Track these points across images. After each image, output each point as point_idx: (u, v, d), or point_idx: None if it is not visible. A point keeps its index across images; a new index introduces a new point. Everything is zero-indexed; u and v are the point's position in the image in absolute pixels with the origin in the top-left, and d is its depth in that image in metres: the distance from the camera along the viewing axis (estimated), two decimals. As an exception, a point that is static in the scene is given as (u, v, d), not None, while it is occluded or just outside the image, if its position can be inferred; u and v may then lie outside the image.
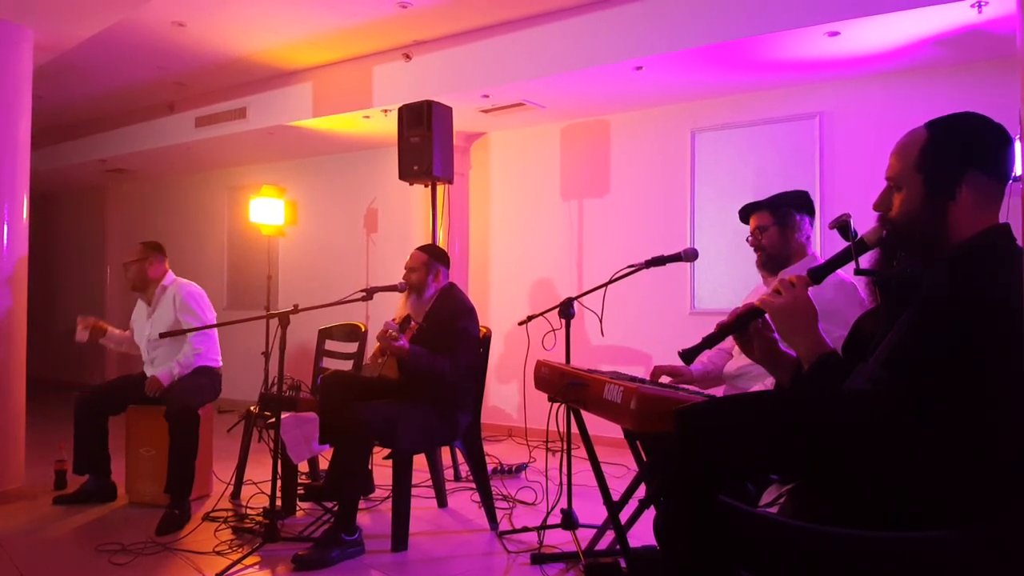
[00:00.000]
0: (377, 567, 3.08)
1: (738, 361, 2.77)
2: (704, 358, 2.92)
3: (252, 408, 4.10)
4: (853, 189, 4.80)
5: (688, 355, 1.77)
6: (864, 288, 1.67)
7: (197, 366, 4.07)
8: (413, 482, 3.41)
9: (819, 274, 1.63)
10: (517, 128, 6.35)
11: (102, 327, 4.24)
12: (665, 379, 2.81)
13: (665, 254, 2.98)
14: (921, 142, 1.52)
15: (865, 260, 1.57)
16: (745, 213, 2.94)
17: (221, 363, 4.28)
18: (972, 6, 3.69)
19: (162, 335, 3.88)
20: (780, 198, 2.89)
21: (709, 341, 1.73)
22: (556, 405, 2.77)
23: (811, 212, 2.89)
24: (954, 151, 1.48)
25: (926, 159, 1.50)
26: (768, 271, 2.89)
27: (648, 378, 2.85)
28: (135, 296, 4.39)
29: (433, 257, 3.69)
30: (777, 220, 2.83)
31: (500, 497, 3.98)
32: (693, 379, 2.89)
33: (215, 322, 4.16)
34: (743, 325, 1.70)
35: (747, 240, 2.94)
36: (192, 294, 4.17)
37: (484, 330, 3.73)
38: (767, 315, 1.64)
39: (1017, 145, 3.49)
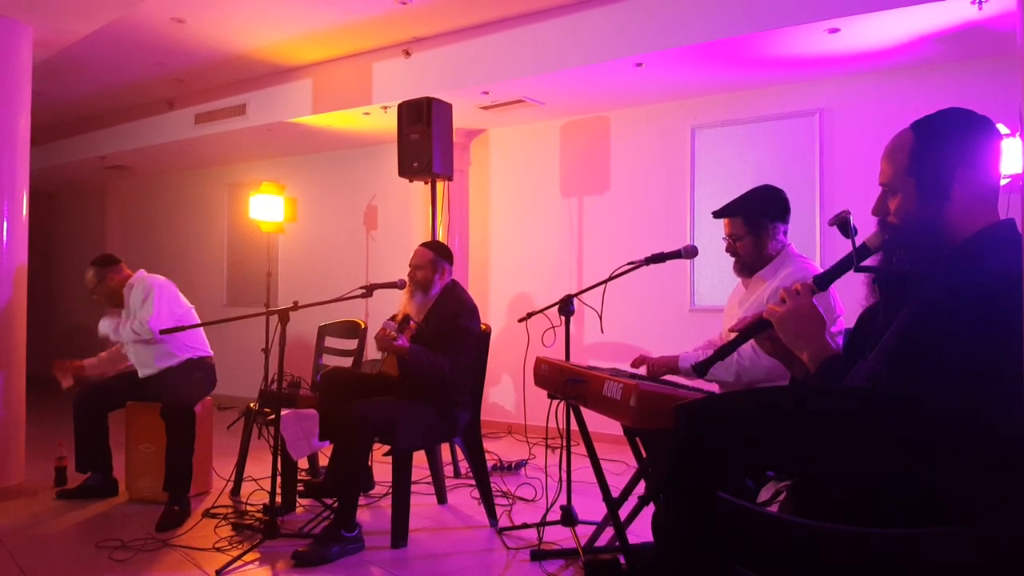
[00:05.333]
0: (377, 563, 3.09)
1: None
2: (698, 353, 2.92)
3: (252, 405, 4.10)
4: (853, 185, 4.80)
5: (702, 368, 1.80)
6: (865, 286, 1.68)
7: (186, 359, 4.04)
8: (413, 479, 3.41)
9: (824, 280, 1.64)
10: (517, 125, 6.34)
11: (79, 365, 4.17)
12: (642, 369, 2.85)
13: (665, 251, 2.98)
14: (909, 146, 1.52)
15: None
16: (718, 216, 2.91)
17: (211, 352, 4.23)
18: (972, 3, 3.68)
19: (162, 332, 3.87)
20: (753, 204, 2.83)
21: (721, 353, 1.74)
22: (556, 402, 2.77)
23: (784, 214, 2.83)
24: (942, 152, 1.48)
25: (916, 163, 1.50)
26: (745, 275, 2.89)
27: (645, 373, 2.88)
28: None
29: (439, 254, 3.68)
30: (751, 229, 2.79)
31: (500, 494, 3.98)
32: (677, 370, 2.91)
33: (183, 308, 4.11)
34: (750, 337, 1.71)
35: (722, 239, 2.91)
36: (140, 292, 4.01)
37: (484, 327, 3.73)
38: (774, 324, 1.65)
39: (1017, 142, 3.50)
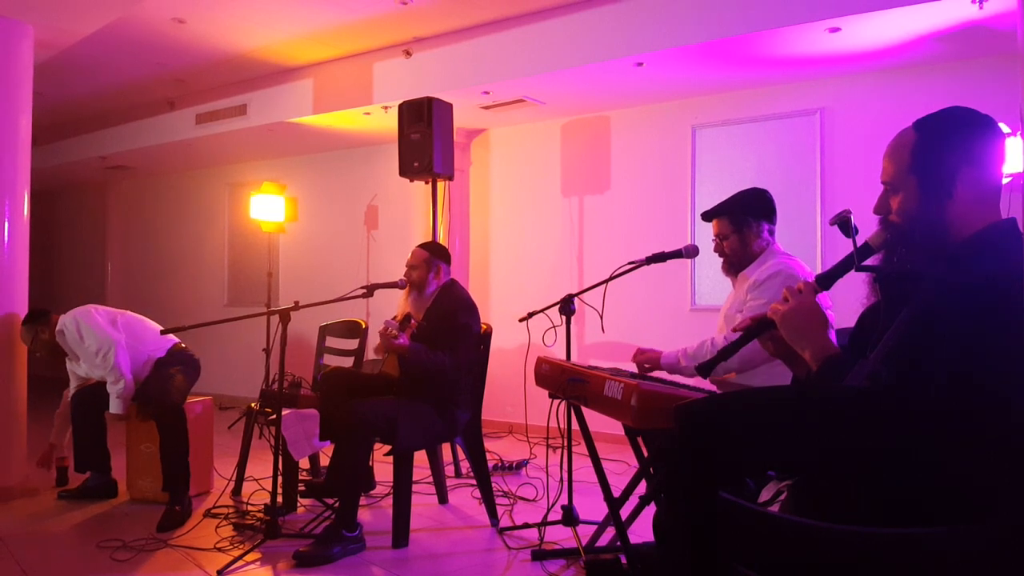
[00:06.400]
0: (378, 563, 3.09)
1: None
2: (677, 353, 2.94)
3: (253, 405, 4.11)
4: (854, 185, 4.79)
5: (705, 368, 1.81)
6: (866, 285, 1.68)
7: (153, 361, 4.00)
8: (414, 478, 3.41)
9: (827, 280, 1.64)
10: (518, 124, 6.34)
11: (50, 446, 4.18)
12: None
13: (666, 250, 3.01)
14: (911, 144, 1.52)
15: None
16: (706, 218, 3.02)
17: (176, 339, 4.14)
18: (973, 2, 3.68)
19: (163, 332, 3.84)
20: (738, 204, 2.94)
21: (724, 354, 1.75)
22: (557, 401, 2.77)
23: (769, 214, 2.94)
24: (945, 151, 1.48)
25: (918, 161, 1.50)
26: (732, 274, 2.99)
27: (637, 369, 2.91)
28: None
29: (434, 254, 3.69)
30: (736, 228, 2.90)
31: (501, 493, 3.98)
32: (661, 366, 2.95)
33: (110, 331, 3.89)
34: (754, 337, 1.72)
35: (712, 240, 3.01)
36: (72, 330, 3.90)
37: (485, 326, 3.73)
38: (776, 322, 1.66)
39: (1018, 141, 3.51)
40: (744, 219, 2.89)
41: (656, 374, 2.86)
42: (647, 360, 2.93)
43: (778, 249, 2.92)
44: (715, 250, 2.99)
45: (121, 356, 3.85)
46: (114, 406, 3.84)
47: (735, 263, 2.93)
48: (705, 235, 5.27)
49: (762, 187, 3.04)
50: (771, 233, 2.93)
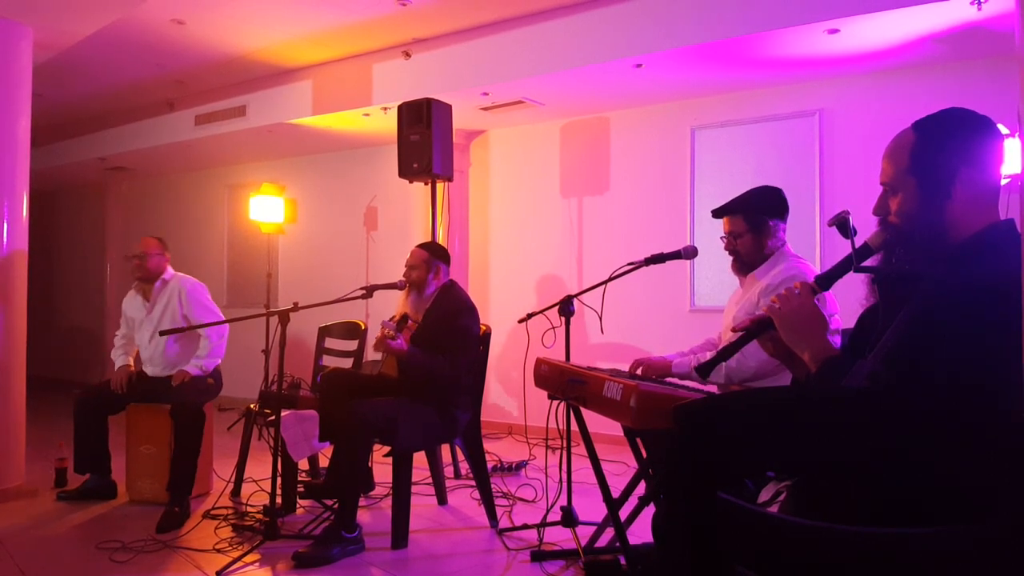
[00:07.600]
0: (377, 564, 3.08)
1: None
2: (688, 359, 2.92)
3: (252, 406, 4.10)
4: (853, 186, 4.80)
5: (704, 369, 1.81)
6: (865, 285, 1.68)
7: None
8: (413, 479, 3.41)
9: (826, 281, 1.64)
10: (517, 125, 6.34)
11: (130, 371, 4.22)
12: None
13: (665, 251, 2.99)
14: (910, 145, 1.52)
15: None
16: (718, 215, 2.95)
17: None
18: (971, 3, 3.68)
19: (162, 333, 3.87)
20: (753, 202, 2.87)
21: (724, 354, 1.74)
22: (556, 402, 2.77)
23: (784, 214, 2.88)
24: (944, 152, 1.49)
25: (917, 162, 1.51)
26: (742, 274, 2.92)
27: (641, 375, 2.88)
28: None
29: (434, 254, 3.69)
30: (752, 227, 2.83)
31: (500, 495, 3.98)
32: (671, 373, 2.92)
33: (221, 317, 4.13)
34: (753, 338, 1.72)
35: (720, 239, 2.95)
36: (198, 290, 4.20)
37: (484, 328, 3.73)
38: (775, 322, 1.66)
39: (1016, 142, 3.51)
40: (761, 219, 2.82)
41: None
42: (654, 370, 2.88)
43: (789, 251, 2.86)
44: (726, 247, 2.91)
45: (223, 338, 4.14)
46: (192, 366, 3.98)
47: (747, 263, 2.86)
48: (704, 236, 5.30)
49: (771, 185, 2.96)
50: (784, 232, 2.87)
